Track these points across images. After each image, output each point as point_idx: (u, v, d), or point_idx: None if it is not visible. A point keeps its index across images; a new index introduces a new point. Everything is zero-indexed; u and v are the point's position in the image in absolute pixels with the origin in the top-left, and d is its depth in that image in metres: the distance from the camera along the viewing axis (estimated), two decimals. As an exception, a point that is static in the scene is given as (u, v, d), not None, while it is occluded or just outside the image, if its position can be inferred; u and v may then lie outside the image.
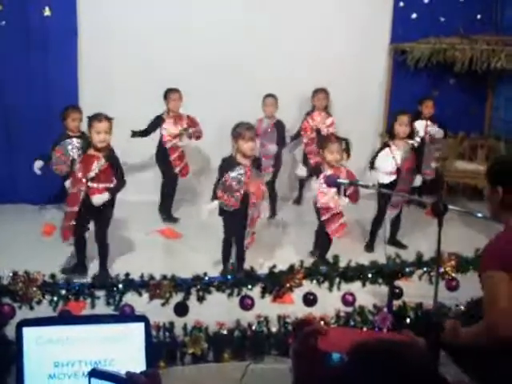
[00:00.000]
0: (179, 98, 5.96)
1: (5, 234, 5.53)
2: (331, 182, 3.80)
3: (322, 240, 5.05)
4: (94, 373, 1.45)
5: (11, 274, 3.12)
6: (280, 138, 6.29)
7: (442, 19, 7.11)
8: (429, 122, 6.51)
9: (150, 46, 6.45)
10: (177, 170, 6.07)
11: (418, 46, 6.95)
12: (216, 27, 6.47)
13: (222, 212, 4.65)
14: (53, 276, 3.22)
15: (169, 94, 5.95)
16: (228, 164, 4.60)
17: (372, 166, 5.47)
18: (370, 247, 5.49)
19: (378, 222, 5.45)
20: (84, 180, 4.53)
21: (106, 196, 4.56)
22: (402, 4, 7.03)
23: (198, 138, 6.09)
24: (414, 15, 7.09)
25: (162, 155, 6.06)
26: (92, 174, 4.53)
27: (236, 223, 4.66)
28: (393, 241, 5.49)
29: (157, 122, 5.98)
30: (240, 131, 4.57)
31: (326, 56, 6.76)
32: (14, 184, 6.54)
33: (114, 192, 4.63)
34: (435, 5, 7.07)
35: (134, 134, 5.95)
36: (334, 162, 4.86)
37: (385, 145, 5.56)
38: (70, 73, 6.44)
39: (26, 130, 6.21)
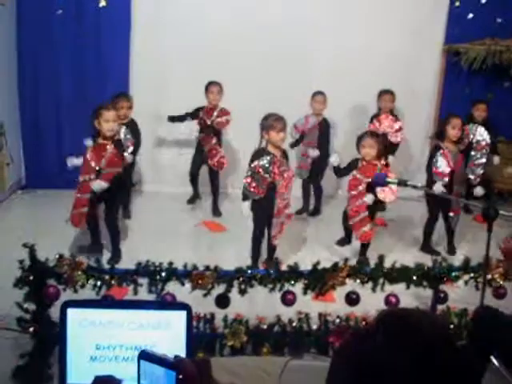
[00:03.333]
0: (218, 91, 5.95)
1: (51, 218, 5.65)
2: (380, 181, 3.71)
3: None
4: (143, 354, 1.44)
5: (57, 257, 3.17)
6: (325, 136, 6.20)
7: (499, 20, 6.89)
8: (478, 127, 6.30)
9: (202, 38, 6.48)
10: (210, 161, 6.10)
11: (473, 47, 6.76)
12: (269, 22, 6.47)
13: (252, 201, 4.66)
14: (98, 261, 3.26)
15: (209, 86, 5.97)
16: (258, 153, 4.62)
17: (429, 168, 5.34)
18: (425, 248, 5.41)
19: (430, 224, 5.40)
20: (96, 168, 4.66)
21: (103, 184, 4.64)
22: (457, 4, 6.86)
23: (219, 125, 6.04)
24: (470, 15, 6.91)
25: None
26: (103, 163, 4.65)
27: (264, 213, 4.68)
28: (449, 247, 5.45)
29: (195, 113, 6.03)
30: (271, 122, 4.57)
31: (377, 55, 6.67)
32: (62, 170, 6.67)
33: (111, 179, 4.68)
34: (492, 5, 6.85)
35: (171, 118, 6.11)
36: (367, 156, 4.84)
37: (436, 147, 5.41)
38: (121, 63, 6.53)
39: (77, 118, 6.29)
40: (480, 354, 1.89)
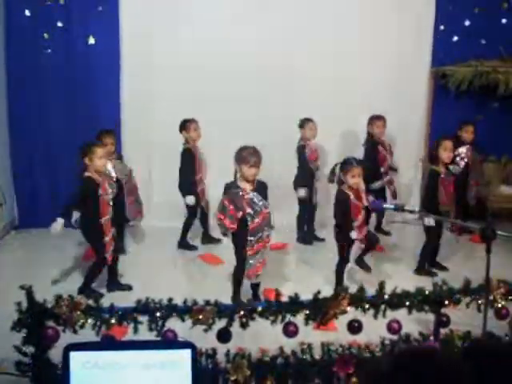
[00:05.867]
0: (199, 127, 5.92)
1: (46, 258, 5.60)
2: (377, 207, 3.72)
3: None
4: None
5: (55, 298, 3.13)
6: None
7: (484, 42, 6.98)
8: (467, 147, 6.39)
9: (190, 75, 6.51)
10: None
11: (460, 69, 6.83)
12: (256, 55, 6.54)
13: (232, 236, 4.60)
14: (96, 300, 3.22)
15: (189, 124, 5.89)
16: (228, 187, 4.51)
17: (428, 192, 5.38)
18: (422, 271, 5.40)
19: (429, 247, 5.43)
20: None
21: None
22: (442, 27, 6.95)
23: None
24: (455, 38, 7.00)
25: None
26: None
27: (239, 248, 4.58)
28: (433, 263, 5.45)
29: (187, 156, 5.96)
30: (244, 156, 4.44)
31: (366, 80, 6.73)
32: (54, 209, 6.62)
33: None
34: (476, 27, 6.95)
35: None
36: (354, 186, 4.76)
37: (431, 174, 5.37)
38: (112, 99, 6.56)
39: (67, 155, 6.27)
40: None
